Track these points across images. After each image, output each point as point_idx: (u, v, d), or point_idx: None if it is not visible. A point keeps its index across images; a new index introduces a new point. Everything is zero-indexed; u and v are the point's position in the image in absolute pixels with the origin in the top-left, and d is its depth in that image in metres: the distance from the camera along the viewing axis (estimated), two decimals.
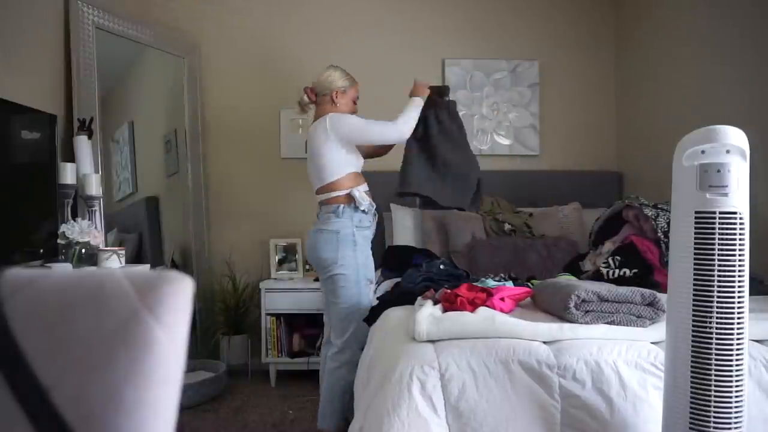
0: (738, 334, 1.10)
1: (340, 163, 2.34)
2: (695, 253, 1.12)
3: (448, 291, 1.73)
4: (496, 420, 1.34)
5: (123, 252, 2.45)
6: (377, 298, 2.18)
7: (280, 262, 3.55)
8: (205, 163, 3.63)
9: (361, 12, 3.71)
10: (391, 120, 2.38)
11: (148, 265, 2.72)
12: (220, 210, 3.66)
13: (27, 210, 2.36)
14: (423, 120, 2.47)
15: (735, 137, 1.13)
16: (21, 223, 2.31)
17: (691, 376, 1.12)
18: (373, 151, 2.67)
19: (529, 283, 2.14)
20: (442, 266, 2.39)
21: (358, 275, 2.28)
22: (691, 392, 1.12)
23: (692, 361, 1.12)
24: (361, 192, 2.33)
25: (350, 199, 2.31)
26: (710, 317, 1.11)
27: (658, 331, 1.46)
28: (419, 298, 1.91)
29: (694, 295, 1.12)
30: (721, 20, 2.71)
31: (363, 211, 2.32)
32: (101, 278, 0.52)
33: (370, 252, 2.38)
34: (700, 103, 2.85)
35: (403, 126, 2.37)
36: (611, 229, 2.66)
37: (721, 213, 1.11)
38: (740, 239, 1.11)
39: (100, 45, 2.88)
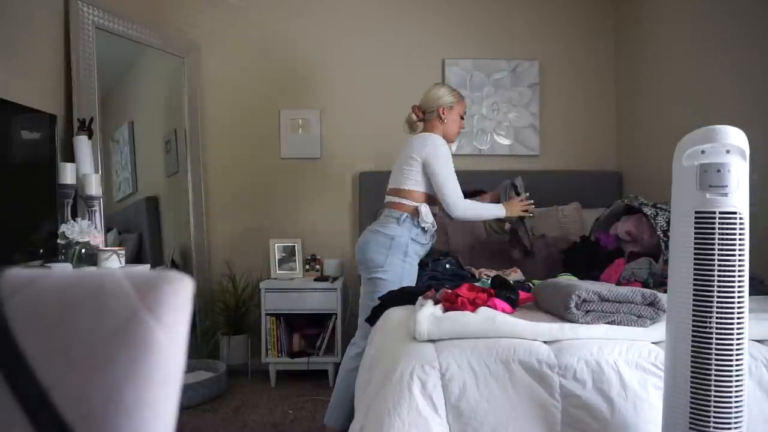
0: (738, 334, 1.10)
1: (424, 180, 2.38)
2: (695, 253, 1.12)
3: (449, 291, 1.73)
4: (496, 419, 1.34)
5: (123, 252, 2.45)
6: (378, 298, 2.18)
7: (280, 262, 3.55)
8: (205, 163, 3.64)
9: (361, 12, 3.71)
10: (470, 199, 2.45)
11: (148, 265, 2.72)
12: (220, 210, 3.66)
13: (27, 210, 2.36)
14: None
15: (735, 137, 1.13)
16: (21, 223, 2.31)
17: (691, 376, 1.12)
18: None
19: (529, 284, 2.14)
20: (448, 266, 2.39)
21: (400, 284, 2.27)
22: (691, 392, 1.12)
23: (692, 361, 1.12)
24: (428, 209, 2.36)
25: (416, 212, 2.34)
26: (710, 317, 1.10)
27: (659, 331, 1.46)
28: (420, 298, 1.91)
29: (694, 295, 1.12)
30: (721, 20, 2.71)
31: (423, 228, 2.35)
32: (101, 278, 0.52)
33: (417, 268, 2.38)
34: (700, 103, 2.85)
35: (466, 212, 2.37)
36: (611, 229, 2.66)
37: (721, 213, 1.11)
38: (740, 239, 1.11)
39: (100, 45, 2.88)
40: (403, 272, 2.30)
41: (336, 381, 2.42)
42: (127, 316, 0.49)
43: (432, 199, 2.43)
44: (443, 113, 2.47)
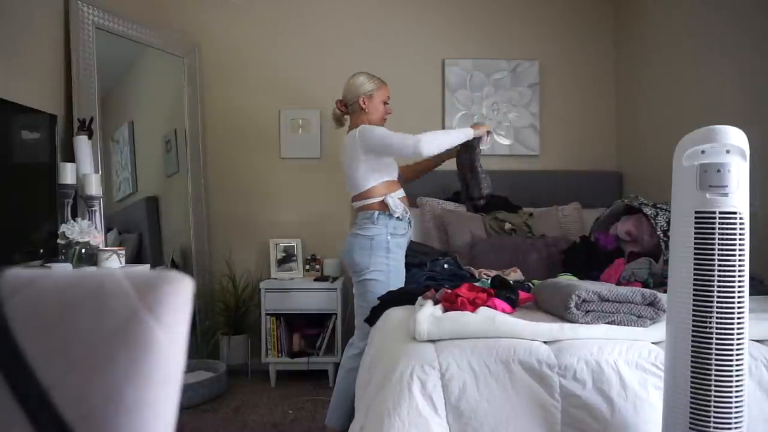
0: (738, 334, 1.10)
1: (373, 173, 2.34)
2: (695, 253, 1.12)
3: (449, 291, 1.73)
4: (496, 419, 1.34)
5: (123, 252, 2.45)
6: (378, 298, 2.18)
7: (280, 262, 3.55)
8: (205, 163, 3.64)
9: (361, 12, 3.71)
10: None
11: (148, 265, 2.72)
12: (220, 210, 3.66)
13: (27, 210, 2.36)
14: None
15: (735, 137, 1.13)
16: (21, 223, 2.31)
17: (691, 376, 1.12)
18: (412, 175, 2.75)
19: (529, 284, 2.14)
20: (446, 266, 2.39)
21: (389, 281, 2.27)
22: (691, 392, 1.12)
23: (692, 361, 1.12)
24: (395, 198, 2.34)
25: (384, 205, 2.33)
26: (710, 317, 1.11)
27: (659, 331, 1.46)
28: (420, 298, 1.91)
29: (694, 295, 1.12)
30: (721, 20, 2.71)
31: (398, 218, 2.33)
32: (101, 278, 0.52)
33: (403, 260, 2.38)
34: (700, 103, 2.85)
35: (423, 143, 2.23)
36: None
37: (721, 213, 1.11)
38: (740, 239, 1.11)
39: (100, 45, 2.88)
40: (389, 269, 2.29)
41: (336, 381, 2.42)
42: (127, 316, 0.49)
43: (392, 185, 2.40)
44: (364, 103, 2.42)
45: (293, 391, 3.18)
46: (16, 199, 2.28)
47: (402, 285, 2.35)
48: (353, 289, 2.45)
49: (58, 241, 2.32)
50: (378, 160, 2.34)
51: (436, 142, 2.28)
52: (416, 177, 2.87)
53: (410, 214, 2.44)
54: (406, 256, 2.44)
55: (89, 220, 2.54)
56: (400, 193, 2.43)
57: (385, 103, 2.49)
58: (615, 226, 2.60)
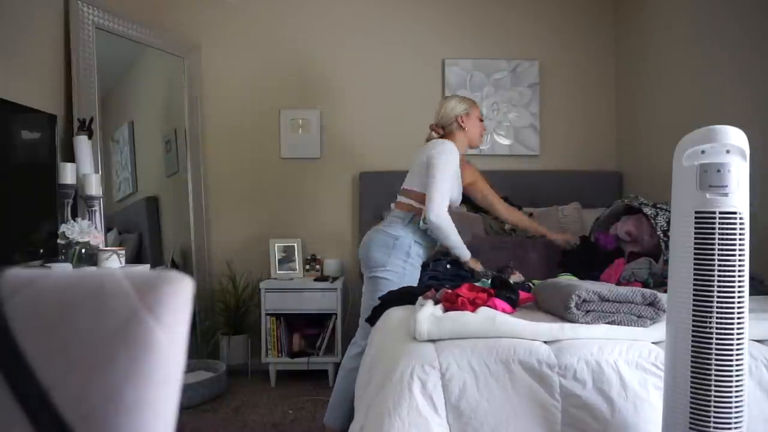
0: (738, 334, 1.10)
1: None
2: (695, 253, 1.12)
3: (449, 291, 1.73)
4: (496, 419, 1.34)
5: (123, 252, 2.45)
6: (378, 298, 2.18)
7: (280, 262, 3.55)
8: (205, 163, 3.64)
9: (361, 12, 3.71)
10: (457, 219, 2.39)
11: (148, 265, 2.72)
12: (220, 210, 3.66)
13: (27, 210, 2.36)
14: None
15: (735, 137, 1.13)
16: (21, 223, 2.31)
17: (691, 376, 1.12)
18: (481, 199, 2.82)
19: (529, 284, 2.14)
20: (448, 266, 2.39)
21: (401, 285, 2.27)
22: (691, 392, 1.12)
23: (692, 361, 1.12)
24: None
25: (421, 213, 2.34)
26: (710, 317, 1.10)
27: (659, 331, 1.46)
28: (420, 298, 1.91)
29: (694, 295, 1.12)
30: (721, 20, 2.71)
31: (426, 230, 2.35)
32: (101, 278, 0.52)
33: (419, 270, 2.38)
34: (700, 103, 2.85)
35: (441, 221, 2.26)
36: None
37: (721, 213, 1.11)
38: (740, 239, 1.11)
39: (100, 45, 2.88)
40: (404, 272, 2.30)
41: (336, 381, 2.42)
42: (127, 316, 0.49)
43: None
44: (462, 121, 2.49)
45: (293, 391, 3.18)
46: (16, 199, 2.28)
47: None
48: (363, 286, 2.44)
49: (58, 241, 2.32)
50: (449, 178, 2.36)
51: (442, 231, 2.30)
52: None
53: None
54: None
55: (89, 220, 2.54)
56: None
57: (480, 120, 2.57)
58: (615, 226, 2.61)
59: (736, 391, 1.10)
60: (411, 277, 2.33)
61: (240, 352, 3.46)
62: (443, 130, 2.53)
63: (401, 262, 2.31)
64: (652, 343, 1.47)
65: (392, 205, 2.51)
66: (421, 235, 2.36)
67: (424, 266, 2.42)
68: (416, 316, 1.54)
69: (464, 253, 2.39)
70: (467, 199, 3.49)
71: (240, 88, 3.67)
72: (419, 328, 1.50)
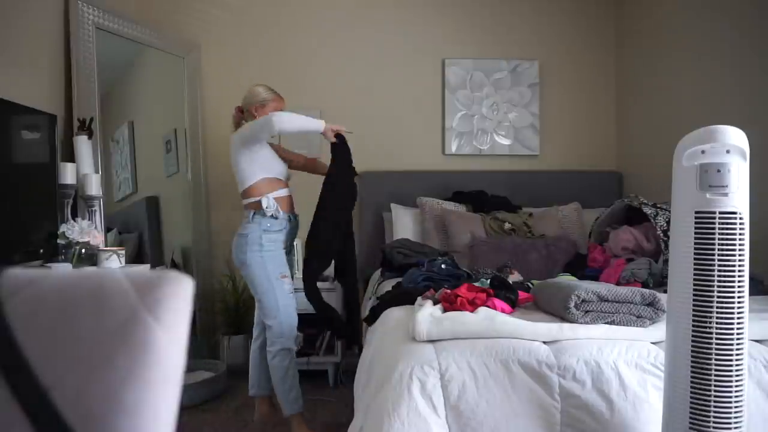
0: (738, 334, 1.10)
1: (251, 170, 2.44)
2: (695, 253, 1.12)
3: (448, 291, 1.73)
4: (496, 420, 1.34)
5: (123, 252, 2.45)
6: (377, 298, 2.18)
7: None
8: (205, 163, 3.63)
9: (361, 12, 3.71)
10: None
11: (148, 265, 2.72)
12: (220, 210, 3.66)
13: (27, 210, 2.36)
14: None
15: (735, 137, 1.13)
16: (21, 223, 2.31)
17: (691, 376, 1.12)
18: (301, 165, 2.84)
19: (529, 284, 2.14)
20: (443, 266, 2.39)
21: (267, 273, 2.38)
22: (691, 392, 1.12)
23: (692, 361, 1.12)
24: (269, 199, 2.41)
25: (259, 205, 2.40)
26: (710, 317, 1.11)
27: (659, 331, 1.46)
28: (419, 298, 1.91)
29: (694, 295, 1.12)
30: (721, 20, 2.71)
31: (272, 216, 2.41)
32: (101, 278, 0.52)
33: (281, 251, 2.46)
34: (700, 103, 2.85)
35: (273, 120, 2.30)
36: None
37: (721, 213, 1.11)
38: (740, 239, 1.11)
39: (100, 45, 2.87)
40: (263, 261, 2.38)
41: (250, 358, 2.65)
42: (127, 316, 0.49)
43: (273, 183, 2.47)
44: (255, 110, 2.54)
45: None
46: (17, 199, 2.28)
47: (284, 271, 2.45)
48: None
49: (58, 241, 2.32)
50: (256, 155, 2.42)
51: (288, 123, 2.37)
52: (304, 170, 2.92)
53: (294, 213, 2.55)
54: (405, 255, 2.45)
55: (89, 220, 2.54)
56: (281, 192, 2.49)
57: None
58: (615, 233, 2.59)
59: (736, 391, 1.10)
60: (273, 261, 2.41)
61: (240, 352, 3.46)
62: (242, 113, 2.62)
63: (257, 255, 2.38)
64: (652, 343, 1.47)
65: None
66: (268, 223, 2.41)
67: (419, 265, 2.43)
68: (415, 316, 1.54)
69: (316, 124, 2.47)
70: (467, 200, 3.50)
71: (240, 88, 3.65)
72: (418, 329, 1.50)
